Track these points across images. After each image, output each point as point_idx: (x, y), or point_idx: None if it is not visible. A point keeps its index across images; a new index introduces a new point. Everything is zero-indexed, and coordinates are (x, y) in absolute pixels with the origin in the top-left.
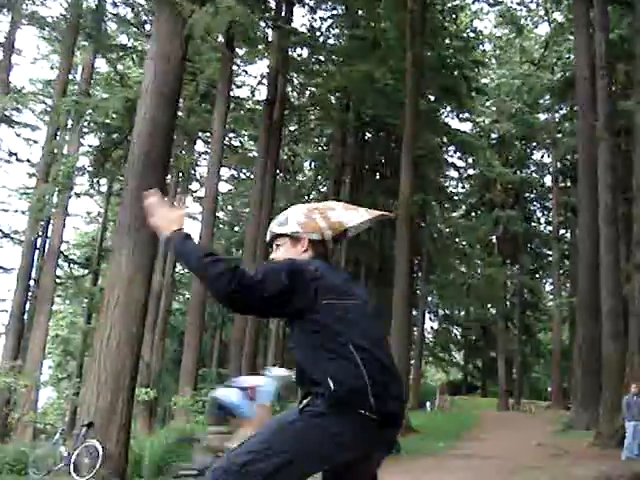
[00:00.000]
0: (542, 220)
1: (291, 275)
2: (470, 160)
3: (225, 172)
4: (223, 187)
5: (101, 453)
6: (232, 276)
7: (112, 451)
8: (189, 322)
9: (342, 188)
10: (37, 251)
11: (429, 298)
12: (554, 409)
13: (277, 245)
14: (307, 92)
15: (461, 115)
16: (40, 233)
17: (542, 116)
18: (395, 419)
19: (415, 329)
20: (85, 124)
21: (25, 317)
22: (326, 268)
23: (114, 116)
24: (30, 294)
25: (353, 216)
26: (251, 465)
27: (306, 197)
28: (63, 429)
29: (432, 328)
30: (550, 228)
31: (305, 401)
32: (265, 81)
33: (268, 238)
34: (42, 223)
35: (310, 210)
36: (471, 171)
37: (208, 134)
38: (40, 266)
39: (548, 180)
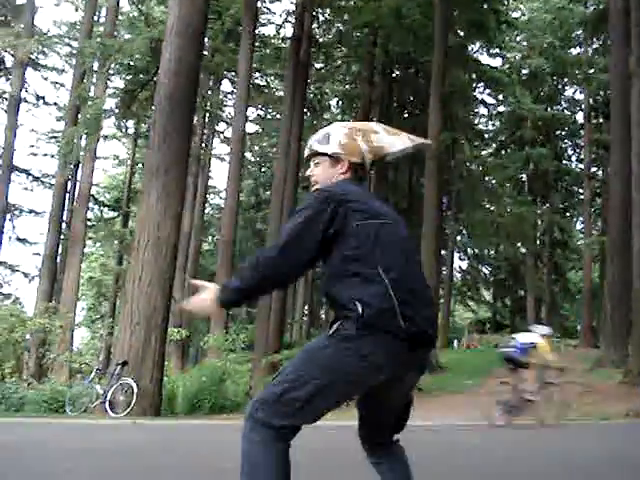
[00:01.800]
0: (573, 158)
1: (319, 211)
2: (500, 97)
3: (252, 112)
4: (250, 127)
5: (136, 390)
6: (268, 254)
7: (146, 388)
8: (219, 263)
9: None
10: (67, 194)
11: (458, 237)
12: (583, 347)
13: (316, 163)
14: (333, 29)
15: (491, 51)
16: (70, 177)
17: (574, 51)
18: (426, 338)
19: (444, 268)
20: (111, 66)
21: (58, 260)
22: (361, 190)
23: (139, 57)
24: (62, 237)
25: (395, 142)
26: (287, 394)
27: None
28: (98, 368)
29: (461, 268)
30: (581, 166)
31: (335, 326)
32: (291, 18)
33: (306, 154)
34: (72, 166)
35: (352, 131)
36: (501, 108)
37: (234, 74)
38: (71, 209)
39: (580, 117)
